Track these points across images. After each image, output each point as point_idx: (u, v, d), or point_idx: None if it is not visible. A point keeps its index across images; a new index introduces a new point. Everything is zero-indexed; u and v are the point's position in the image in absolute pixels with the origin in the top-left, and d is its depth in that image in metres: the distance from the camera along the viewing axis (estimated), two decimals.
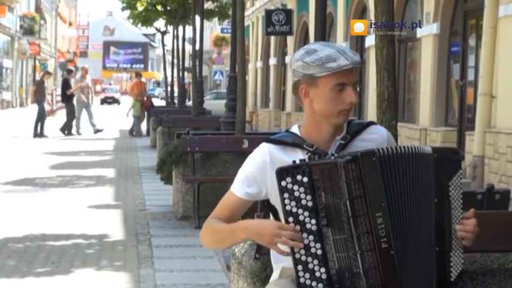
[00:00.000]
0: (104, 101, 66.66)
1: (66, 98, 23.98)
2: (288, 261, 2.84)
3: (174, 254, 7.30)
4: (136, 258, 7.15)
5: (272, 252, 3.00)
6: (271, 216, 2.94)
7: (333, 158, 2.73)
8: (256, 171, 2.87)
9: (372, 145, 2.82)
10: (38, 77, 25.48)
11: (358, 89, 2.85)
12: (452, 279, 2.75)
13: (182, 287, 6.12)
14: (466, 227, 2.77)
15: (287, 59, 25.98)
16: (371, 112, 15.77)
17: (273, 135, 3.02)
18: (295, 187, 2.66)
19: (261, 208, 3.10)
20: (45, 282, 6.30)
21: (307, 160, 2.73)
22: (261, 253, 3.48)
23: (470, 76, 13.57)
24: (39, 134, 22.77)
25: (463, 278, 2.79)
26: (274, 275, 2.99)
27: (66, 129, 23.66)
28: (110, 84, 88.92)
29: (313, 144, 2.84)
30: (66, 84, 24.28)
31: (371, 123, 2.98)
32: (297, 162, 2.70)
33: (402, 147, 2.75)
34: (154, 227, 8.64)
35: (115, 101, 67.30)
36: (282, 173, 2.68)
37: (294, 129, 2.95)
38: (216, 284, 6.19)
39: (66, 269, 6.70)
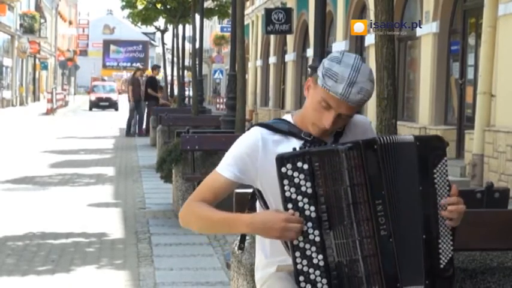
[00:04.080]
0: (95, 104, 45.91)
1: (151, 97, 22.53)
2: (285, 259, 2.83)
3: (173, 252, 7.31)
4: (136, 256, 7.15)
5: (266, 246, 2.93)
6: (257, 206, 2.90)
7: (333, 146, 2.75)
8: (246, 154, 2.83)
9: (359, 129, 2.89)
10: (129, 76, 24.32)
11: (346, 121, 2.83)
12: (442, 266, 2.76)
13: (182, 285, 6.12)
14: (451, 208, 2.76)
15: (287, 58, 26.00)
16: (371, 110, 15.78)
17: None
18: (295, 174, 2.67)
19: (250, 206, 3.01)
20: (45, 280, 6.30)
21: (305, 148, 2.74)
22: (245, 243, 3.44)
23: (470, 75, 13.57)
24: (134, 132, 22.88)
25: (454, 264, 2.80)
26: (269, 271, 2.91)
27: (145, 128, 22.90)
28: (104, 80, 61.65)
29: (311, 133, 2.85)
30: (154, 82, 23.10)
31: None
32: (297, 149, 2.71)
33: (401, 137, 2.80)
34: (154, 225, 8.65)
35: (111, 104, 46.01)
36: (282, 159, 2.67)
37: (287, 117, 2.92)
38: (215, 282, 6.19)
39: (66, 268, 6.71)
